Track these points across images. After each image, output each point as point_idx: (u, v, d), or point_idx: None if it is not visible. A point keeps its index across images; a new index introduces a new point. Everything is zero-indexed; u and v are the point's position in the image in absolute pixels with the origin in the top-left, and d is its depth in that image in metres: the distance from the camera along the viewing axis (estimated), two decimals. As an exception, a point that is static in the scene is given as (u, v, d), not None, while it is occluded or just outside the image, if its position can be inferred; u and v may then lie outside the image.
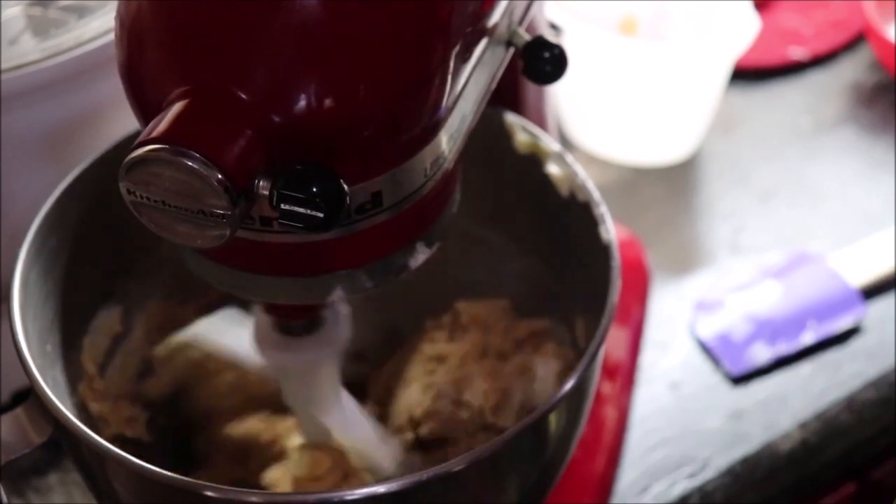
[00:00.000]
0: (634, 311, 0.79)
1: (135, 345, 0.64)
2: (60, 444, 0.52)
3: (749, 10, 0.88)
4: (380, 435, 0.62)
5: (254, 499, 0.47)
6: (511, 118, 0.62)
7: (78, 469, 0.55)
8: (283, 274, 0.47)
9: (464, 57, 0.46)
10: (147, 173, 0.40)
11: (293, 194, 0.41)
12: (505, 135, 0.63)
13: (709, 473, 0.72)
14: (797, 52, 1.02)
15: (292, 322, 0.56)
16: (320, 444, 0.60)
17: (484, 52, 0.49)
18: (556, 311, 0.65)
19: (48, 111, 0.63)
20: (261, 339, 0.57)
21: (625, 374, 0.75)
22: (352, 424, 0.60)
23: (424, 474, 0.47)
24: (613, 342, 0.76)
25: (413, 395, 0.63)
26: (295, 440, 0.63)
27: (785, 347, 0.78)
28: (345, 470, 0.59)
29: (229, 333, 0.63)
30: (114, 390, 0.62)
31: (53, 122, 0.63)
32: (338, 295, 0.48)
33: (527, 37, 0.53)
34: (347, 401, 0.60)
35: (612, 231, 0.57)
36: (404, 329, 0.68)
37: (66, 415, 0.49)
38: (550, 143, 0.61)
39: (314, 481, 0.58)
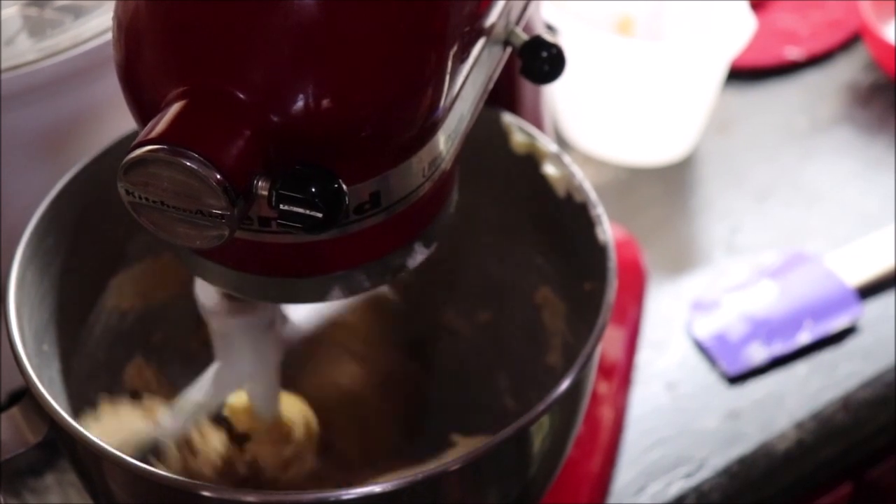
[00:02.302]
0: (631, 311, 0.79)
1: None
2: (56, 444, 0.52)
3: (745, 9, 0.88)
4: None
5: (250, 498, 0.46)
6: (508, 118, 0.62)
7: (74, 469, 0.55)
8: (281, 274, 0.47)
9: (461, 57, 0.46)
10: (145, 174, 0.40)
11: (292, 195, 0.41)
12: (502, 135, 0.63)
13: (705, 473, 0.72)
14: (793, 52, 1.02)
15: None
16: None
17: (481, 51, 0.49)
18: (552, 310, 0.65)
19: (45, 111, 0.63)
20: (204, 302, 0.57)
21: (621, 374, 0.75)
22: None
23: (420, 474, 0.47)
24: (610, 342, 0.76)
25: None
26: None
27: (781, 347, 0.78)
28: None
29: None
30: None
31: (50, 122, 0.63)
32: (336, 295, 0.48)
33: (524, 36, 0.53)
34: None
35: (608, 232, 0.57)
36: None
37: (61, 414, 0.49)
38: (547, 144, 0.61)
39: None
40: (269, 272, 0.47)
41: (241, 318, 0.56)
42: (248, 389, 0.61)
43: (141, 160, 0.40)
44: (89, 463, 0.51)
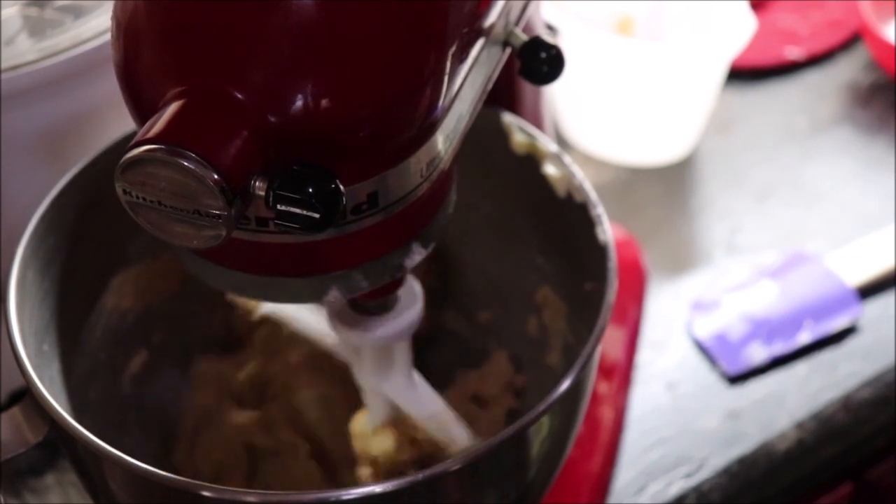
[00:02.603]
0: (631, 311, 0.79)
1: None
2: (57, 444, 0.52)
3: (745, 9, 0.88)
4: (450, 412, 0.63)
5: (251, 498, 0.46)
6: (508, 118, 0.62)
7: (74, 469, 0.55)
8: (278, 274, 0.47)
9: (460, 57, 0.46)
10: (143, 173, 0.40)
11: (289, 195, 0.41)
12: (502, 135, 0.63)
13: (705, 473, 0.72)
14: (793, 52, 1.02)
15: (369, 302, 0.56)
16: (390, 423, 0.62)
17: (480, 52, 0.49)
18: (552, 310, 0.65)
19: (45, 111, 0.63)
20: (335, 317, 0.57)
21: (621, 374, 0.75)
22: (426, 401, 0.62)
23: (420, 474, 0.47)
24: (610, 342, 0.76)
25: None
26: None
27: (781, 347, 0.78)
28: (419, 448, 0.62)
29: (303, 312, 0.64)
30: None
31: (50, 122, 0.63)
32: (333, 295, 0.48)
33: (524, 37, 0.53)
34: (419, 379, 0.61)
35: (608, 232, 0.57)
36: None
37: (62, 414, 0.49)
38: (548, 144, 0.61)
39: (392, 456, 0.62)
40: (266, 272, 0.47)
41: (360, 332, 0.57)
42: (368, 402, 0.62)
43: (138, 160, 0.40)
44: (89, 463, 0.52)
